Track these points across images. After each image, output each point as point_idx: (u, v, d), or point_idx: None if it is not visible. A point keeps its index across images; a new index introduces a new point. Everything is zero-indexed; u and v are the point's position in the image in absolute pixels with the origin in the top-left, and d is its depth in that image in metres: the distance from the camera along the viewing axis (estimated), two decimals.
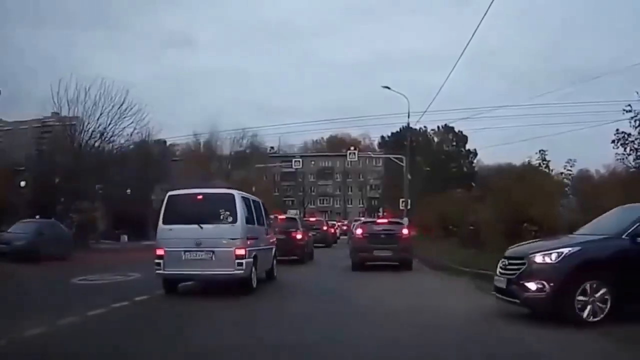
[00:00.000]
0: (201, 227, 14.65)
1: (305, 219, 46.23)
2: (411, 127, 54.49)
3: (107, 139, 45.11)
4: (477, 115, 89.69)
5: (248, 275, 14.96)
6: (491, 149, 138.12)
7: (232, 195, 15.38)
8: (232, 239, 14.66)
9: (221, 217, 14.96)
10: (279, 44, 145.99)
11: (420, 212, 45.14)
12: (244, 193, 16.85)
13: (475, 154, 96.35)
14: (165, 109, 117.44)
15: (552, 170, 22.51)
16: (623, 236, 10.72)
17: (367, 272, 21.77)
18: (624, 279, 10.25)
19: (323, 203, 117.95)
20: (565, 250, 10.65)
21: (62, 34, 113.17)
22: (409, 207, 47.78)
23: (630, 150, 22.82)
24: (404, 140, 54.54)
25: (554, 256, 10.63)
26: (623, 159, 23.68)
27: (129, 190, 50.52)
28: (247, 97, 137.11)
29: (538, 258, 10.75)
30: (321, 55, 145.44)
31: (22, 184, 45.54)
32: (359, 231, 24.41)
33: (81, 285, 17.74)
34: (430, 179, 71.35)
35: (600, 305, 10.23)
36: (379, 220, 27.40)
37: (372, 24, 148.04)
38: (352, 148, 57.90)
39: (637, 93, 22.13)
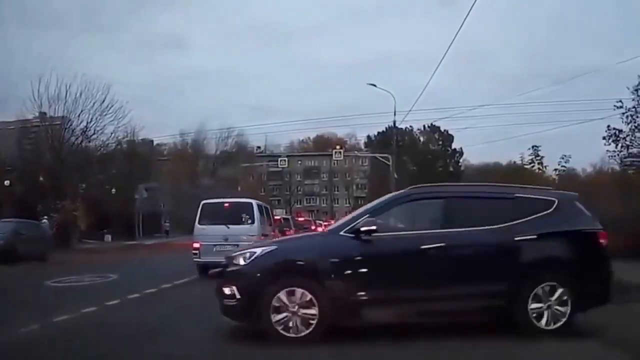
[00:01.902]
0: (228, 227, 19.33)
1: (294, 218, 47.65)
2: (398, 127, 53.69)
3: (88, 136, 44.00)
4: (459, 115, 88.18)
5: None
6: (477, 148, 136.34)
7: (251, 203, 20.46)
8: (251, 235, 18.62)
9: (243, 219, 19.70)
10: (267, 45, 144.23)
11: None
12: (258, 201, 21.81)
13: (461, 153, 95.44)
14: (154, 109, 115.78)
15: (545, 167, 21.59)
16: (341, 232, 9.14)
17: None
18: (335, 288, 8.69)
19: (310, 202, 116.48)
20: (258, 251, 9.10)
21: (52, 35, 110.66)
22: None
23: (622, 146, 22.13)
24: (390, 140, 53.97)
25: (247, 256, 9.01)
26: (615, 155, 23.04)
27: (113, 190, 49.23)
28: (235, 97, 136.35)
29: (237, 259, 9.11)
30: (308, 56, 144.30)
31: (7, 183, 44.15)
32: None
33: (55, 288, 16.88)
34: (416, 178, 70.42)
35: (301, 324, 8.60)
36: None
37: (360, 25, 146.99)
38: (337, 147, 57.12)
39: (628, 88, 21.50)
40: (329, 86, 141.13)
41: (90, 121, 43.35)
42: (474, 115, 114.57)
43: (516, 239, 9.01)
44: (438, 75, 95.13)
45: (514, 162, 21.97)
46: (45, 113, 44.37)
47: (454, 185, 13.23)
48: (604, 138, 22.24)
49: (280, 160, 63.66)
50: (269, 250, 9.19)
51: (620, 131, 21.97)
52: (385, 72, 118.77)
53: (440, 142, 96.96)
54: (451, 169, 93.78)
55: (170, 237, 52.44)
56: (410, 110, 57.66)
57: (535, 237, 9.06)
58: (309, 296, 8.59)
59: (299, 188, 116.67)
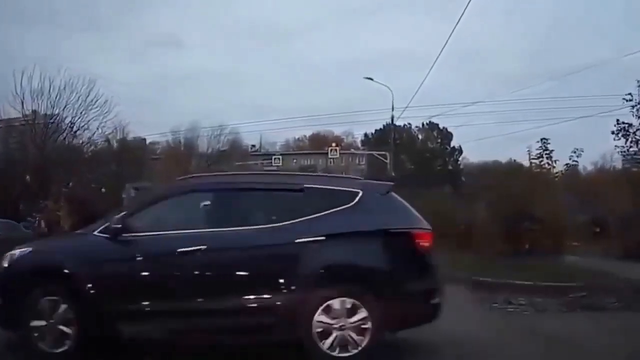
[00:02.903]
0: None
1: None
2: (395, 125, 52.72)
3: (74, 132, 42.53)
4: (457, 112, 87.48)
5: None
6: (477, 146, 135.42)
7: None
8: None
9: None
10: (262, 44, 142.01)
11: None
12: None
13: (461, 152, 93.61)
14: (148, 108, 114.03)
15: (555, 162, 19.99)
16: (95, 232, 7.80)
17: None
18: (87, 295, 7.33)
19: None
20: (17, 252, 7.99)
21: (44, 33, 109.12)
22: None
23: (632, 141, 20.94)
24: (388, 138, 53.13)
25: (7, 260, 7.98)
26: (625, 151, 21.90)
27: (103, 189, 47.69)
28: (230, 96, 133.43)
29: (3, 261, 8.02)
30: (304, 54, 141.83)
31: None
32: None
33: None
34: (414, 177, 69.53)
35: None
36: None
37: (357, 22, 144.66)
38: (333, 144, 56.00)
39: (638, 81, 20.36)
40: (326, 84, 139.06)
41: (75, 116, 41.95)
42: (472, 112, 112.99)
43: (297, 240, 7.43)
44: (438, 73, 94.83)
45: (514, 160, 20.27)
46: (25, 107, 42.81)
47: (232, 174, 11.32)
48: (612, 132, 20.86)
49: (275, 159, 62.85)
50: (25, 252, 7.93)
51: (630, 125, 20.65)
52: (382, 70, 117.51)
53: (439, 140, 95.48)
54: (450, 167, 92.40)
55: None
56: (407, 106, 56.69)
57: (322, 238, 7.45)
58: (64, 306, 7.30)
59: None
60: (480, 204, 24.22)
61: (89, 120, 43.64)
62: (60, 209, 39.05)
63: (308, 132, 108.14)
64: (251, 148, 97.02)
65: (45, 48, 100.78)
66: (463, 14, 24.99)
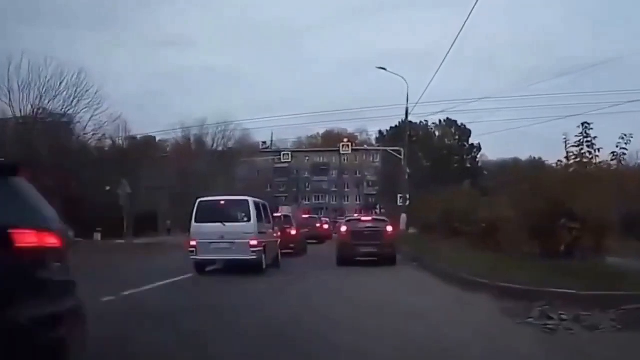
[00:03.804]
0: (224, 225, 19.79)
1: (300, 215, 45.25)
2: (410, 122, 50.03)
3: (64, 125, 39.92)
4: (468, 107, 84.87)
5: (260, 260, 19.95)
6: (493, 143, 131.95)
7: (247, 201, 20.69)
8: (247, 233, 19.73)
9: (239, 217, 20.22)
10: (275, 42, 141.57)
11: (420, 209, 39.82)
12: (255, 198, 21.79)
13: (479, 149, 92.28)
14: (158, 106, 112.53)
15: (598, 150, 16.96)
16: None
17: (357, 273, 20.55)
18: None
19: (318, 200, 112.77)
20: None
21: (57, 33, 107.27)
22: (407, 203, 43.65)
23: None
24: (403, 135, 50.50)
25: None
26: None
27: (108, 187, 44.96)
28: (241, 94, 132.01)
29: None
30: (316, 53, 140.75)
31: None
32: (343, 229, 25.03)
33: None
34: (430, 174, 66.96)
35: None
36: (364, 218, 27.74)
37: (367, 20, 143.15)
38: (345, 140, 53.18)
39: None
40: (339, 81, 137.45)
41: (66, 106, 39.40)
42: (487, 107, 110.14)
43: None
44: (452, 70, 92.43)
45: (565, 140, 17.02)
46: (13, 99, 40.18)
47: None
48: None
49: (284, 155, 60.06)
50: None
51: None
52: (397, 66, 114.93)
53: (457, 137, 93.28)
54: (468, 164, 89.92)
55: (171, 236, 48.73)
56: (419, 100, 53.56)
57: None
58: None
59: (307, 185, 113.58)
60: (505, 200, 21.42)
61: (78, 112, 41.67)
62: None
63: (322, 130, 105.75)
64: (262, 145, 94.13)
65: (56, 48, 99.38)
66: (472, 10, 24.30)
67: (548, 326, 10.10)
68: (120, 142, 59.11)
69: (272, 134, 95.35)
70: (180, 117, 67.82)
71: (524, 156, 74.07)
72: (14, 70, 39.82)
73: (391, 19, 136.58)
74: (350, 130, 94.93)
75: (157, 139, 72.98)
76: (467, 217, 25.87)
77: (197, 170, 61.21)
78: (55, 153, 40.16)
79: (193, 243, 19.92)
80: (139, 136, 68.23)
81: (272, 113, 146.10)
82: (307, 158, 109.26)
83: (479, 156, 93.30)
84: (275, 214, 28.93)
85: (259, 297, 14.71)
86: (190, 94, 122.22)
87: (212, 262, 20.58)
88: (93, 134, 46.25)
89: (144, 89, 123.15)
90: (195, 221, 20.21)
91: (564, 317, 10.60)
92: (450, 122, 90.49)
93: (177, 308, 12.34)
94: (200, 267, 20.03)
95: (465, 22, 29.07)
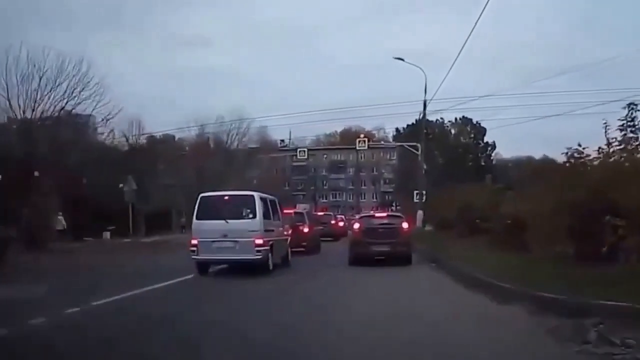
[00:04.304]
0: (227, 222, 17.59)
1: (314, 212, 43.39)
2: (428, 120, 47.41)
3: (64, 118, 37.24)
4: (481, 105, 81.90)
5: (265, 260, 17.89)
6: (506, 141, 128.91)
7: (252, 196, 18.46)
8: (252, 231, 17.54)
9: (243, 213, 17.99)
10: (292, 42, 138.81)
11: (437, 206, 36.86)
12: (262, 194, 19.68)
13: (494, 147, 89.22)
14: (176, 106, 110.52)
15: None
16: None
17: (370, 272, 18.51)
18: None
19: (335, 197, 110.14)
20: None
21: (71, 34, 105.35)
22: (423, 199, 40.98)
23: None
24: (419, 133, 48.44)
25: None
26: None
27: (121, 185, 42.11)
28: (259, 94, 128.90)
29: None
30: (334, 54, 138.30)
31: None
32: (356, 226, 22.33)
33: None
34: (446, 172, 64.48)
35: None
36: (378, 214, 25.43)
37: (384, 22, 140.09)
38: (361, 136, 50.55)
39: None
40: (357, 81, 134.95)
41: (66, 97, 36.78)
42: (499, 105, 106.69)
43: None
44: (464, 69, 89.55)
45: (604, 125, 13.98)
46: (10, 92, 37.04)
47: None
48: None
49: (300, 151, 57.29)
50: None
51: None
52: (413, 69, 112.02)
53: (472, 135, 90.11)
54: (482, 162, 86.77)
55: (185, 234, 45.75)
56: (436, 94, 50.85)
57: None
58: None
59: (324, 183, 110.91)
60: (534, 194, 18.53)
61: (78, 103, 38.36)
62: (48, 204, 33.03)
63: (339, 128, 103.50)
64: (280, 143, 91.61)
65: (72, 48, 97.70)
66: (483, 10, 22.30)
67: (615, 358, 7.30)
68: (134, 139, 56.99)
69: (290, 132, 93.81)
70: (197, 116, 64.32)
71: (536, 154, 72.41)
72: (12, 62, 36.54)
73: (409, 19, 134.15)
74: (367, 128, 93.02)
75: (176, 137, 70.72)
76: (488, 213, 22.92)
77: (214, 167, 58.83)
78: (55, 151, 37.21)
79: (194, 242, 17.92)
80: (158, 135, 66.33)
81: (290, 113, 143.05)
82: (325, 156, 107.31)
83: (493, 154, 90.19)
84: (287, 210, 26.33)
85: (256, 306, 12.26)
86: (208, 93, 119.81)
87: (216, 262, 18.55)
88: (99, 127, 43.42)
89: (160, 88, 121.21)
90: (197, 218, 18.21)
91: (629, 341, 7.77)
92: (465, 121, 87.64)
93: (149, 323, 9.86)
94: (203, 267, 18.10)
95: (476, 23, 26.49)
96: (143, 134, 57.90)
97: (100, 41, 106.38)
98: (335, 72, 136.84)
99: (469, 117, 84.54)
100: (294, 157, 72.51)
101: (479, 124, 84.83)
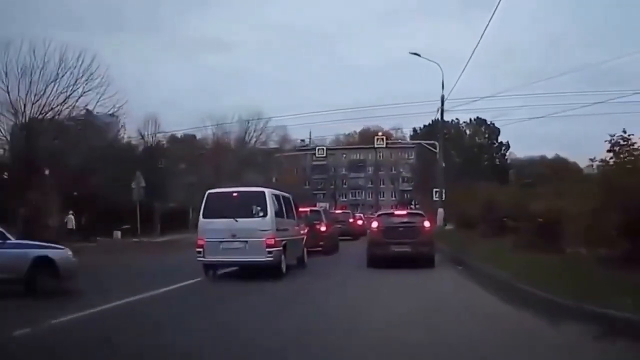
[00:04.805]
0: (236, 221, 15.56)
1: (332, 211, 40.96)
2: (445, 120, 44.91)
3: (60, 111, 34.81)
4: (505, 106, 79.32)
5: (278, 262, 15.89)
6: (526, 141, 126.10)
7: (263, 193, 16.30)
8: (263, 230, 15.55)
9: (253, 211, 15.86)
10: (311, 49, 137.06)
11: (458, 203, 34.27)
12: (274, 190, 17.78)
13: (508, 147, 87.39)
14: (197, 107, 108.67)
15: None
16: None
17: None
18: None
19: (355, 196, 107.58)
20: None
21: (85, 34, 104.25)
22: (443, 197, 38.45)
23: None
24: (436, 132, 46.64)
25: None
26: None
27: (134, 184, 39.86)
28: (279, 95, 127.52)
29: None
30: (351, 57, 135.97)
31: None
32: (374, 224, 19.70)
33: None
34: (463, 171, 62.52)
35: None
36: (397, 212, 21.87)
37: (401, 26, 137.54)
38: (379, 134, 48.38)
39: None
40: (375, 81, 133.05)
41: (68, 89, 34.48)
42: (516, 105, 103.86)
43: None
44: (477, 71, 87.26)
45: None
46: (9, 84, 34.44)
47: None
48: None
49: (318, 149, 54.81)
50: None
51: None
52: (431, 71, 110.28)
53: (487, 135, 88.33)
54: (497, 162, 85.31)
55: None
56: (452, 92, 48.64)
57: None
58: None
59: (344, 182, 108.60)
60: (571, 190, 16.09)
61: (82, 94, 35.70)
62: (44, 203, 30.34)
63: (358, 128, 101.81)
64: (300, 142, 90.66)
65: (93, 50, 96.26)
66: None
67: None
68: (150, 138, 55.32)
69: (310, 132, 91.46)
70: (217, 116, 62.38)
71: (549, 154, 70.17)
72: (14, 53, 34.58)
73: (426, 21, 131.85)
74: (385, 128, 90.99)
75: (197, 137, 68.52)
76: (516, 210, 20.35)
77: (234, 166, 56.89)
78: (58, 148, 35.03)
79: (200, 242, 15.85)
80: (179, 134, 64.43)
81: (309, 112, 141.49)
82: (344, 155, 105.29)
83: (507, 154, 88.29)
84: (302, 209, 23.76)
85: (263, 315, 10.20)
86: (227, 94, 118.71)
87: (223, 264, 16.40)
88: (108, 122, 41.13)
89: (181, 89, 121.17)
90: (203, 216, 16.12)
91: None
92: (480, 121, 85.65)
93: (139, 338, 8.15)
94: (210, 270, 16.09)
95: (487, 26, 24.32)
96: (159, 132, 56.18)
97: (118, 41, 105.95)
98: (352, 74, 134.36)
99: (483, 117, 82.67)
100: (314, 156, 70.60)
101: (493, 124, 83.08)
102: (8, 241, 12.69)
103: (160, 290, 13.34)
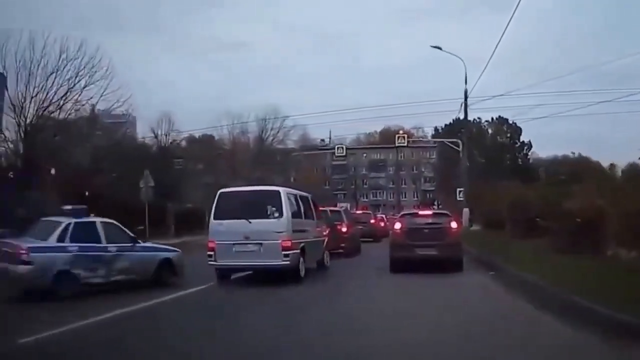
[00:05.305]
0: (249, 222, 14.53)
1: (352, 212, 38.34)
2: (468, 120, 43.45)
3: (61, 105, 33.06)
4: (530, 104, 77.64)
5: (295, 265, 14.90)
6: (548, 141, 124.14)
7: (278, 192, 15.24)
8: (279, 232, 14.52)
9: (268, 212, 14.85)
10: (331, 49, 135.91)
11: (484, 203, 32.70)
12: (291, 189, 16.95)
13: (530, 146, 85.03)
14: (216, 107, 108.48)
15: None
16: None
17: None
18: None
19: (376, 196, 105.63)
20: None
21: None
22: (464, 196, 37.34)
23: None
24: (458, 132, 46.58)
25: None
26: None
27: (142, 184, 38.30)
28: (300, 94, 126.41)
29: None
30: (371, 57, 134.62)
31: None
32: (397, 225, 18.08)
33: None
34: (485, 171, 61.23)
35: None
36: (422, 212, 19.90)
37: (420, 26, 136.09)
38: (400, 132, 47.06)
39: None
40: (395, 81, 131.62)
41: (71, 81, 33.04)
42: (541, 104, 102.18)
43: None
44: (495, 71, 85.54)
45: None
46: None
47: None
48: None
49: (338, 148, 53.47)
50: None
51: None
52: (452, 71, 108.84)
53: (509, 135, 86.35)
54: (519, 161, 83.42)
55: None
56: (474, 90, 47.33)
57: None
58: None
59: (364, 182, 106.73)
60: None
61: (84, 87, 33.84)
62: (47, 202, 28.87)
63: (378, 127, 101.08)
64: (320, 142, 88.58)
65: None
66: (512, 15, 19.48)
67: None
68: (164, 137, 54.38)
69: (330, 131, 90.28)
70: (236, 115, 61.23)
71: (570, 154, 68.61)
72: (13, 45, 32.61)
73: (446, 21, 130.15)
74: (406, 127, 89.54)
75: (215, 137, 67.34)
76: (548, 209, 18.77)
77: (253, 166, 55.78)
78: (59, 149, 33.72)
79: (211, 245, 14.85)
80: (197, 134, 63.42)
81: (330, 113, 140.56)
82: (365, 155, 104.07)
83: (529, 153, 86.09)
84: (321, 208, 22.53)
85: (276, 326, 9.24)
86: (247, 94, 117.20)
87: (236, 269, 15.37)
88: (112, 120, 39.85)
89: (200, 88, 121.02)
90: (215, 217, 15.12)
91: None
92: (501, 120, 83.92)
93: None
94: (223, 274, 15.16)
95: (507, 25, 23.04)
96: (173, 131, 55.01)
97: (137, 42, 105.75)
98: (373, 73, 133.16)
99: (504, 116, 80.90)
100: (334, 155, 69.43)
101: (515, 123, 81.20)
102: (137, 244, 14.32)
103: (168, 297, 12.53)
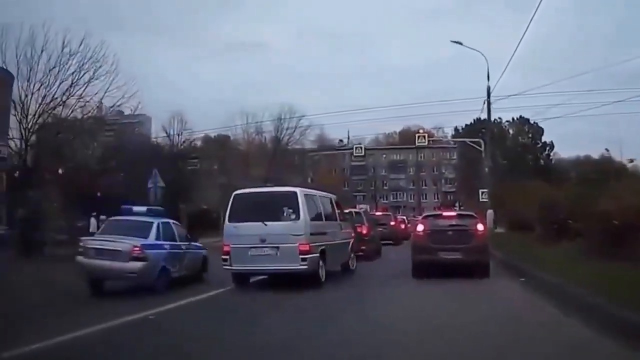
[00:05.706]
0: (265, 224, 14.06)
1: (372, 213, 37.33)
2: (489, 120, 42.27)
3: (63, 102, 32.20)
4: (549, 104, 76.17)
5: (314, 269, 14.33)
6: (571, 141, 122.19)
7: (295, 193, 14.65)
8: (296, 235, 14.02)
9: (284, 214, 14.34)
10: (352, 49, 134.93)
11: (509, 203, 31.46)
12: (309, 190, 16.40)
13: (552, 147, 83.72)
14: (232, 108, 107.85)
15: None
16: None
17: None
18: None
19: (396, 198, 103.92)
20: None
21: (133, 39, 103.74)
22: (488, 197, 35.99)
23: None
24: (478, 132, 46.14)
25: None
26: None
27: (150, 184, 37.23)
28: (318, 95, 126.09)
29: None
30: (390, 57, 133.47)
31: None
32: (420, 227, 16.96)
33: None
34: (507, 171, 59.90)
35: None
36: (446, 213, 18.51)
37: (440, 26, 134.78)
38: (420, 131, 45.80)
39: None
40: (415, 81, 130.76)
41: (74, 75, 32.15)
42: (564, 103, 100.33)
43: None
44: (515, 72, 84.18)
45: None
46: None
47: None
48: None
49: (356, 148, 52.62)
50: None
51: None
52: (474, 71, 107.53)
53: (530, 135, 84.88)
54: (541, 162, 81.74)
55: None
56: (502, 75, 46.12)
57: None
58: None
59: (384, 183, 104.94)
60: None
61: (88, 81, 33.13)
62: (44, 201, 27.57)
63: (398, 128, 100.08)
64: (339, 143, 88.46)
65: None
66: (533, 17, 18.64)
67: None
68: (177, 136, 53.55)
69: (348, 131, 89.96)
70: (253, 115, 60.52)
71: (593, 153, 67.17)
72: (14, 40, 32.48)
73: (465, 21, 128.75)
74: (427, 127, 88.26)
75: (231, 137, 66.74)
76: (582, 210, 17.49)
77: (270, 166, 54.93)
78: (63, 148, 32.89)
79: (226, 249, 14.43)
80: (213, 134, 62.78)
81: (348, 113, 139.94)
82: (384, 155, 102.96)
83: (552, 154, 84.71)
84: (347, 210, 22.60)
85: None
86: (265, 94, 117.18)
87: (252, 273, 15.02)
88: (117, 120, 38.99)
89: (218, 89, 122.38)
90: (229, 220, 14.70)
91: None
92: (523, 120, 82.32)
93: None
94: (240, 278, 14.75)
95: (528, 26, 22.22)
96: (185, 130, 54.28)
97: (154, 42, 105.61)
98: (392, 73, 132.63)
99: (526, 116, 79.66)
100: (352, 156, 68.44)
101: (537, 123, 79.52)
102: (192, 243, 15.94)
103: (183, 301, 12.07)
